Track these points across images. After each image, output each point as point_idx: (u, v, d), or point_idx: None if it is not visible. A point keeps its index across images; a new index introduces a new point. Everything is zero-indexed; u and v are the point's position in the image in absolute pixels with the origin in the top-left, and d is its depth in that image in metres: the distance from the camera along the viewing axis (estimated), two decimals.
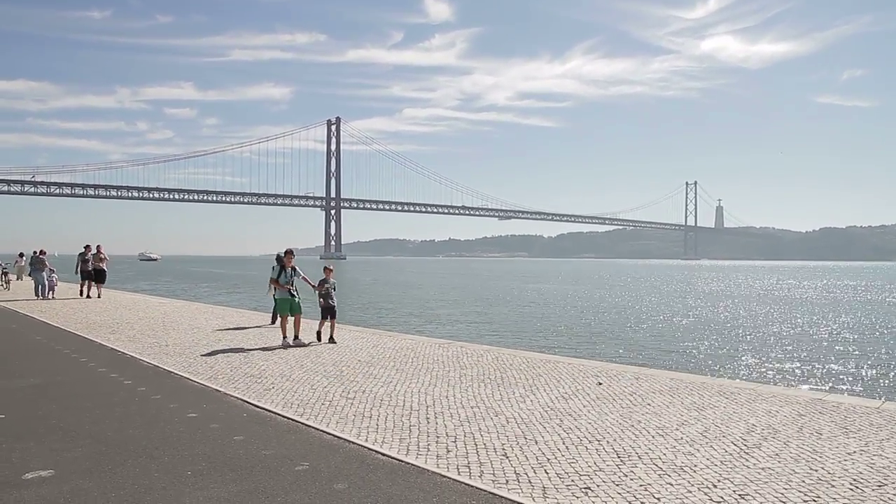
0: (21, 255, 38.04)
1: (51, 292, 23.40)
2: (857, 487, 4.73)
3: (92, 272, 23.35)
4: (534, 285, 60.50)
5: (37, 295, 23.28)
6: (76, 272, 23.47)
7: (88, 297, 22.97)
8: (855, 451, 5.58)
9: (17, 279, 35.30)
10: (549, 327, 25.12)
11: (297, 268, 12.47)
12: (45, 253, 24.81)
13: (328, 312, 12.20)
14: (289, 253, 12.43)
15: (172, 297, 29.93)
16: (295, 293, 12.24)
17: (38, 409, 7.05)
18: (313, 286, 12.34)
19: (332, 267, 12.74)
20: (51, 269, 24.31)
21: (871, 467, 5.17)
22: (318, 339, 12.22)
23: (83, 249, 23.55)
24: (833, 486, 4.74)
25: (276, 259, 17.53)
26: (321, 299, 12.20)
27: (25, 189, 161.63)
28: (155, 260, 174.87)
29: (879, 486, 4.77)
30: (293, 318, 12.13)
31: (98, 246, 23.78)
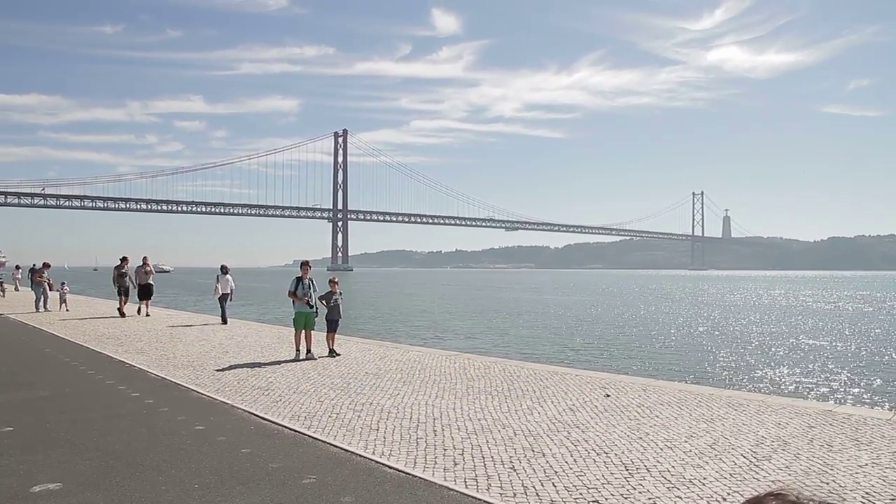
0: (17, 267, 38.67)
1: (63, 305, 23.41)
2: (870, 501, 4.68)
3: (130, 287, 20.69)
4: (540, 296, 60.37)
5: (38, 308, 22.79)
6: (114, 286, 20.74)
7: (123, 314, 20.05)
8: (866, 464, 5.53)
9: (15, 290, 35.80)
10: (556, 339, 25.02)
11: (314, 280, 12.32)
12: (48, 266, 24.92)
13: (333, 325, 12.20)
14: (305, 264, 12.27)
15: (180, 309, 29.99)
16: (314, 305, 12.11)
17: (46, 422, 7.07)
18: (322, 305, 12.15)
19: (336, 279, 12.66)
20: (62, 283, 24.50)
21: (884, 480, 5.12)
22: (331, 352, 12.15)
23: (119, 262, 20.74)
24: (845, 500, 4.70)
25: (221, 269, 17.63)
26: (328, 311, 12.17)
27: (35, 201, 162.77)
28: (168, 272, 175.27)
29: (892, 499, 4.72)
30: (305, 332, 12.03)
31: (144, 258, 20.93)
